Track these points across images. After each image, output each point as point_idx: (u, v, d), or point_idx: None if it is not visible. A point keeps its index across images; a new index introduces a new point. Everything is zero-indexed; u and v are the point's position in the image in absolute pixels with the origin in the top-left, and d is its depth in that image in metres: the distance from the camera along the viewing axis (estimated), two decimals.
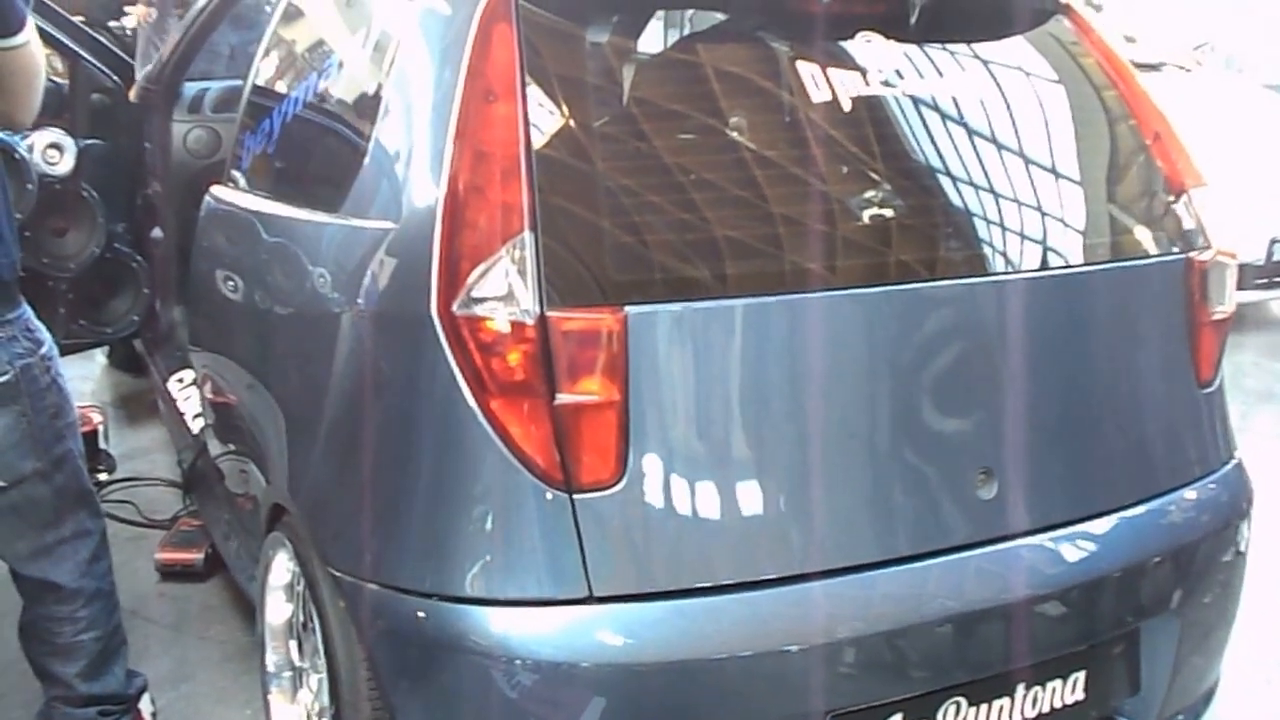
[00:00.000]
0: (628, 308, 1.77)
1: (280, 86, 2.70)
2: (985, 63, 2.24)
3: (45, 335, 2.27)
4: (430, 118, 1.90)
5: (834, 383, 1.90)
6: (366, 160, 2.06)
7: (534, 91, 1.84)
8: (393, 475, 1.89)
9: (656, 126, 1.97)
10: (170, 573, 3.37)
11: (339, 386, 2.03)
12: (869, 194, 2.01)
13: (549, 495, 1.76)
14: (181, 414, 3.53)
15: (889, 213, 2.02)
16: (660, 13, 2.07)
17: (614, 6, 2.03)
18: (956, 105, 2.14)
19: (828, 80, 2.02)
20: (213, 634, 3.12)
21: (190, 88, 4.07)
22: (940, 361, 1.99)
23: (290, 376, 2.31)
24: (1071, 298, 2.13)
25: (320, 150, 2.42)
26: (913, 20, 2.14)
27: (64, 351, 2.37)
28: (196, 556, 3.35)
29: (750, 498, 1.84)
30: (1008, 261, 2.09)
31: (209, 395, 2.96)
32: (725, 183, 1.95)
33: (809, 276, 1.90)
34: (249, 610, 2.68)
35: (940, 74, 2.15)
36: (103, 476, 3.82)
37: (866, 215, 2.00)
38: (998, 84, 2.21)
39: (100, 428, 3.85)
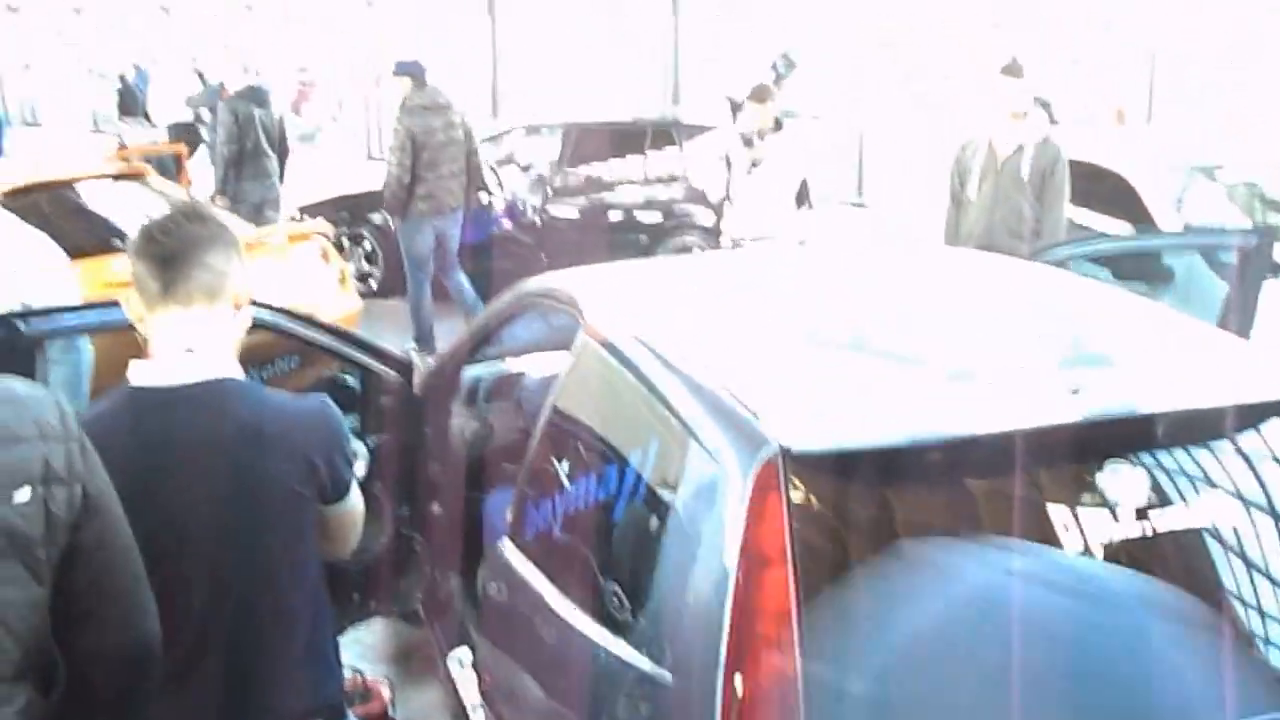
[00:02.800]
0: None
1: (561, 465, 2.83)
2: (1240, 470, 2.25)
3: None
4: (706, 576, 2.06)
5: None
6: (646, 600, 2.22)
7: (804, 558, 1.97)
8: None
9: (917, 582, 2.08)
10: None
11: None
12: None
13: None
14: (461, 697, 3.79)
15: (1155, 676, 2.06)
16: (919, 466, 2.16)
17: (879, 465, 2.11)
18: (1215, 530, 2.18)
19: (1083, 520, 2.10)
20: None
21: (467, 376, 4.43)
22: None
23: None
24: None
25: (599, 566, 2.54)
26: (1160, 434, 2.19)
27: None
28: None
29: None
30: None
31: (489, 691, 3.19)
32: (989, 653, 2.00)
33: None
34: None
35: (1194, 493, 2.19)
36: None
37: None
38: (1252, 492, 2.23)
39: (390, 702, 4.14)
